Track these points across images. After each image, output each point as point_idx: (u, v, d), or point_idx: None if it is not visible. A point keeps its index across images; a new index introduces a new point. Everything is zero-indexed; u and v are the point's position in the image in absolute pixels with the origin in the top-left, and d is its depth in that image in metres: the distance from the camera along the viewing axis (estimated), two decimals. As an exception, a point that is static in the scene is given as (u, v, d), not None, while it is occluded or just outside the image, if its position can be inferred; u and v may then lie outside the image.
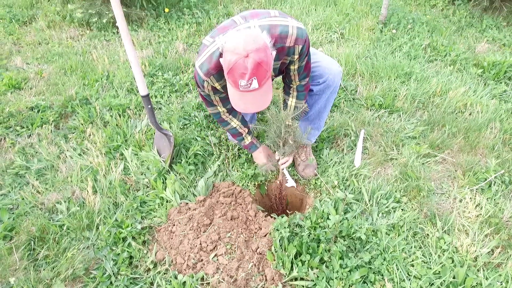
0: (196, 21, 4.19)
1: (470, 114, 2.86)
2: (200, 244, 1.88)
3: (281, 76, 2.06)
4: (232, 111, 2.02)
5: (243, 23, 1.66)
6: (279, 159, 2.08)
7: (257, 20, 1.64)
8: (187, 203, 2.11)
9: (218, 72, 1.66)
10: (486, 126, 2.71)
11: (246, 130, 2.13)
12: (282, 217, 1.92)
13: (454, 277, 1.76)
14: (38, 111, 2.81)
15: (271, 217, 2.07)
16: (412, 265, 1.82)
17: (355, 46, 3.72)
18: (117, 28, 4.03)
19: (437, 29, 4.05)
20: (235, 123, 2.06)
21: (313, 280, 1.71)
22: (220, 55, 1.59)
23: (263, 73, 1.44)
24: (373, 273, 1.77)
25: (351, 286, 1.71)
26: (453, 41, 3.86)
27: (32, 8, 4.59)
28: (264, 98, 1.55)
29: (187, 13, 4.29)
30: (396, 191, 2.19)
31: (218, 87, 1.76)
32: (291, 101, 2.05)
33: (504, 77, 3.30)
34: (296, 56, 1.71)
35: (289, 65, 1.80)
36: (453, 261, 1.84)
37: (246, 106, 1.57)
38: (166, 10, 4.26)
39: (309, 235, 1.86)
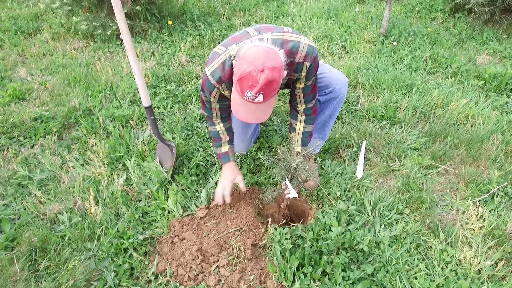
0: (199, 33, 4.24)
1: (472, 126, 2.86)
2: (202, 255, 1.87)
3: (287, 90, 2.07)
4: (223, 119, 2.02)
5: (257, 35, 1.67)
6: (285, 188, 2.07)
7: (270, 34, 1.65)
8: (189, 214, 2.11)
9: (229, 80, 1.68)
10: (488, 137, 2.71)
11: (228, 138, 2.08)
12: (284, 228, 1.91)
13: (458, 290, 1.74)
14: (42, 122, 2.83)
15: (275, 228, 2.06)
16: (415, 278, 1.80)
17: (357, 58, 3.75)
18: (121, 40, 4.08)
19: (437, 41, 4.09)
20: (220, 127, 2.03)
21: (315, 293, 1.70)
22: (233, 63, 1.61)
23: (271, 91, 1.46)
24: (376, 285, 1.75)
25: (354, 299, 1.70)
26: (454, 53, 3.89)
27: (37, 20, 4.66)
28: (265, 112, 1.57)
29: (190, 25, 4.35)
30: (398, 203, 2.18)
31: (226, 95, 1.77)
32: (299, 126, 2.01)
33: (506, 89, 3.31)
34: (303, 74, 1.71)
35: (295, 83, 1.80)
36: (456, 274, 1.82)
37: (246, 116, 1.58)
38: (170, 22, 4.32)
39: (311, 247, 1.85)
